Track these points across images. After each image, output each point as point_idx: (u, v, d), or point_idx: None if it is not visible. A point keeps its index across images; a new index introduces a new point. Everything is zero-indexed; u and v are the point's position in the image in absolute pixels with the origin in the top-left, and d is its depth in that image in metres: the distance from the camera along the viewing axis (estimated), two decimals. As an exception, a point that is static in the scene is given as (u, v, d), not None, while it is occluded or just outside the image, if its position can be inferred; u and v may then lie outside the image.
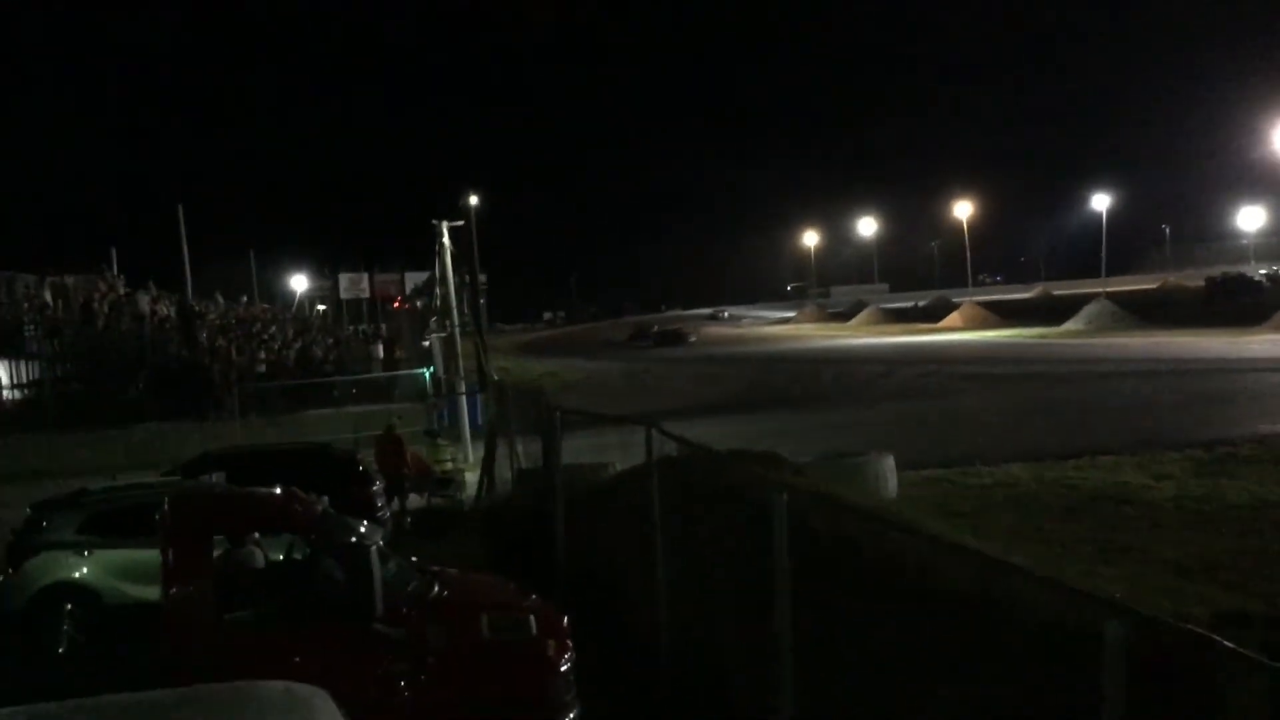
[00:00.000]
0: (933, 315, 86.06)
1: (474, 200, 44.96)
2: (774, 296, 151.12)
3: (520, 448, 17.32)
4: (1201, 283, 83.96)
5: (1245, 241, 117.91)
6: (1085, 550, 11.13)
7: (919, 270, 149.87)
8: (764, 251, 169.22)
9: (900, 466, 16.24)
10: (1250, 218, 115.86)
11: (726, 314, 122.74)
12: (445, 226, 26.20)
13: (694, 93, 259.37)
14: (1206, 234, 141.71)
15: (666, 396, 37.75)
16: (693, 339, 79.95)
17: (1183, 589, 9.17)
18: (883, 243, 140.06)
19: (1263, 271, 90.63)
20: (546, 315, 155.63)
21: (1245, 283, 78.55)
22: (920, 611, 6.26)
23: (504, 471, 17.95)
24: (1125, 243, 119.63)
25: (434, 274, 28.40)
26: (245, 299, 53.22)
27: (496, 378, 26.74)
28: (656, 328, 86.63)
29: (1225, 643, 3.07)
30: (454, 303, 26.74)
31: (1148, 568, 10.26)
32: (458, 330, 27.09)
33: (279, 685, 4.76)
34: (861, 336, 75.09)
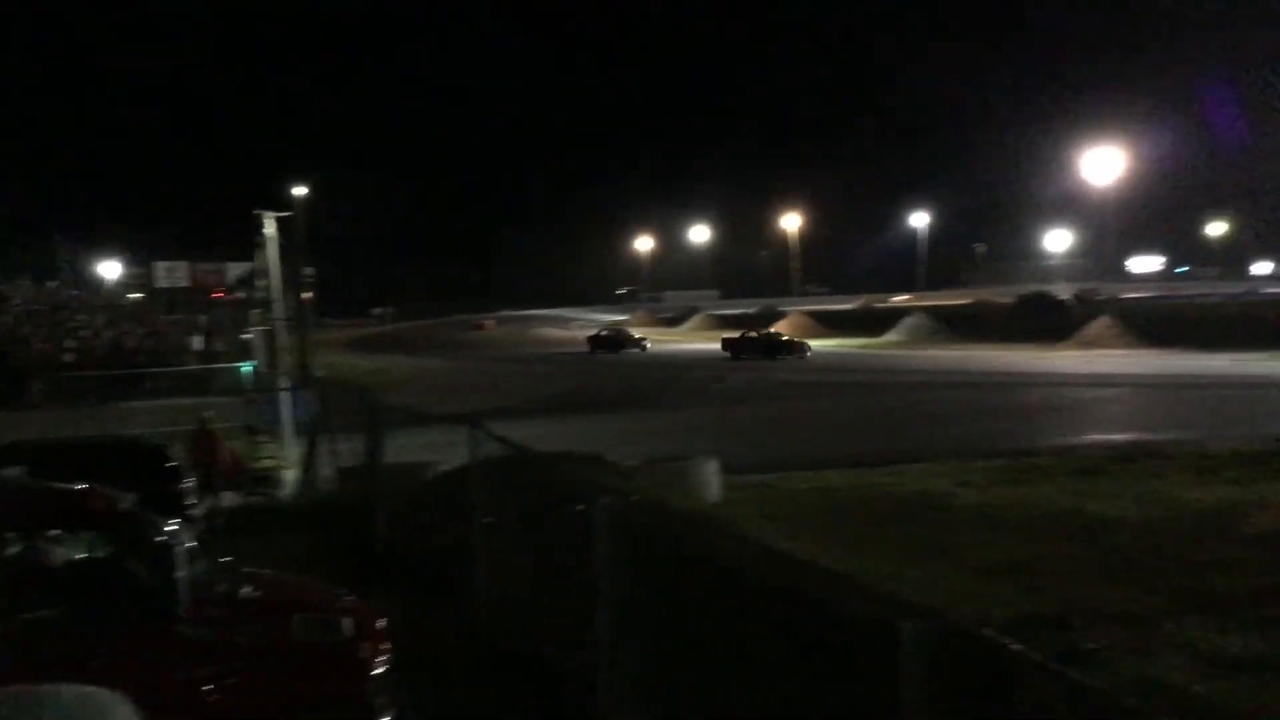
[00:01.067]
0: (762, 323, 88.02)
1: (302, 191, 43.89)
2: (607, 300, 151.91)
3: (342, 446, 16.95)
4: (1012, 300, 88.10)
5: (1053, 262, 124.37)
6: (895, 554, 11.53)
7: (749, 279, 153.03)
8: (598, 255, 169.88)
9: (725, 470, 16.51)
10: (1057, 240, 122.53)
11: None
12: (271, 217, 25.41)
13: (533, 92, 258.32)
14: (1018, 253, 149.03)
15: (496, 396, 37.54)
16: (648, 345, 70.29)
17: (984, 592, 9.59)
18: (715, 250, 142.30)
19: (1070, 291, 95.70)
20: (376, 311, 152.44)
21: (1051, 301, 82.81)
22: (736, 611, 6.39)
23: (325, 469, 17.54)
24: (943, 259, 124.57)
25: (256, 265, 27.53)
26: (55, 284, 50.58)
27: (320, 374, 26.10)
28: (604, 332, 78.21)
29: (1013, 645, 3.22)
30: (277, 296, 25.95)
31: (953, 571, 10.70)
32: (281, 324, 26.30)
33: (75, 689, 4.54)
34: (692, 341, 76.16)
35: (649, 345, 68.08)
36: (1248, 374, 37.83)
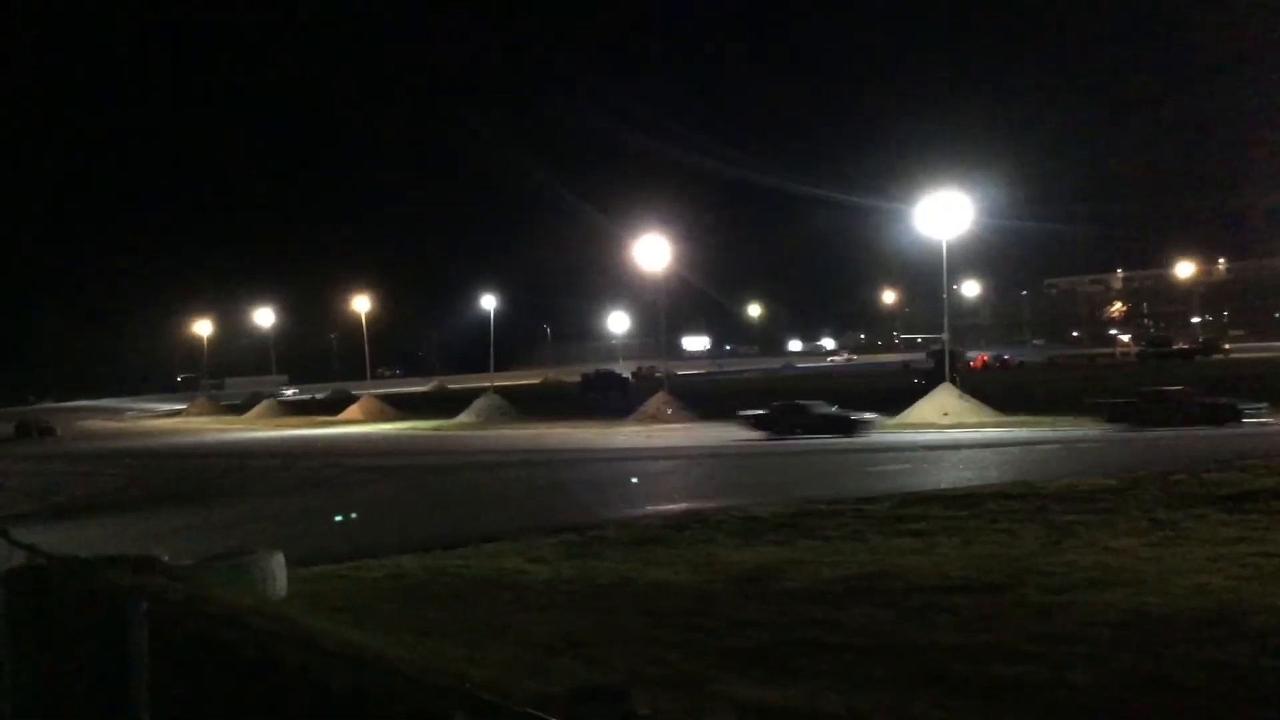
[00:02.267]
0: (332, 408, 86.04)
1: None
2: (164, 389, 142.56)
3: None
4: (578, 378, 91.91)
5: (614, 342, 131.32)
6: (466, 636, 11.53)
7: (318, 363, 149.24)
8: (153, 341, 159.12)
9: (292, 563, 15.81)
10: (617, 321, 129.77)
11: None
12: None
13: (65, 158, 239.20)
14: (583, 334, 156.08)
15: (34, 498, 33.94)
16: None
17: (551, 667, 9.79)
18: (281, 335, 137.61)
19: (630, 369, 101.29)
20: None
21: (613, 379, 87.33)
22: (294, 709, 6.11)
23: None
24: (512, 341, 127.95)
25: None
26: None
27: None
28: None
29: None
30: None
31: (522, 649, 10.84)
32: None
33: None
34: (259, 429, 73.06)
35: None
36: (789, 442, 41.62)
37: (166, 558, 14.10)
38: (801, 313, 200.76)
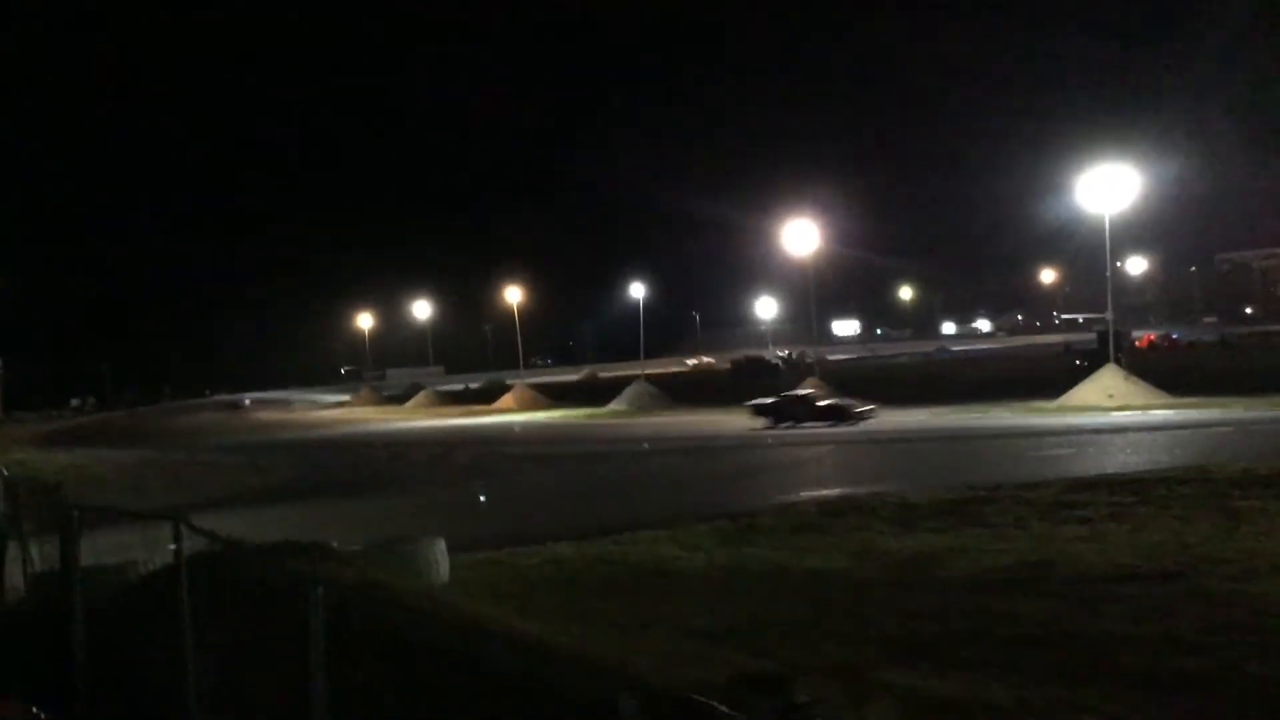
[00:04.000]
0: (487, 397, 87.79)
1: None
2: (330, 380, 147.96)
3: (35, 550, 15.59)
4: (728, 365, 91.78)
5: (763, 328, 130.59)
6: (623, 623, 11.64)
7: (473, 354, 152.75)
8: (320, 334, 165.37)
9: (453, 550, 16.22)
10: (766, 307, 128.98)
11: (247, 400, 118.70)
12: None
13: (242, 169, 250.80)
14: (731, 321, 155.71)
15: (211, 487, 35.59)
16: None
17: (709, 655, 9.81)
18: (437, 326, 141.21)
19: (780, 354, 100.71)
20: (74, 402, 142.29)
21: (763, 365, 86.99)
22: (466, 698, 6.25)
23: (15, 577, 16.06)
24: (661, 328, 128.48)
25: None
26: None
27: (6, 472, 23.99)
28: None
29: (720, 708, 3.31)
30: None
31: (680, 636, 10.90)
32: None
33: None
34: (417, 419, 75.06)
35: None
36: (943, 426, 40.78)
37: (335, 544, 14.64)
38: (956, 294, 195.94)
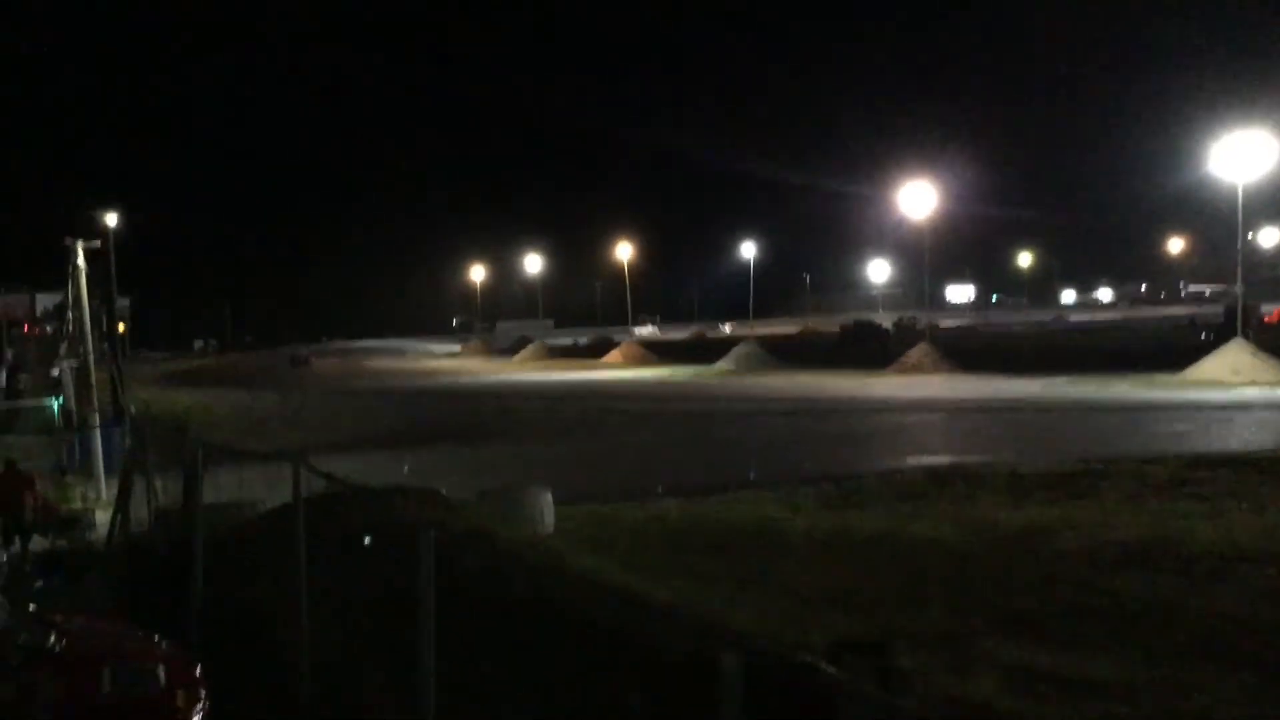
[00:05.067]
0: (595, 352, 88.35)
1: (114, 219, 42.00)
2: (442, 330, 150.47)
3: (159, 485, 16.25)
4: (836, 328, 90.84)
5: (874, 292, 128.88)
6: (725, 582, 11.69)
7: (582, 309, 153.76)
8: (433, 284, 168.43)
9: (558, 501, 16.47)
10: (878, 270, 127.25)
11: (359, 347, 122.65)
12: (81, 246, 24.31)
13: (363, 121, 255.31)
14: (842, 284, 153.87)
15: (326, 431, 36.56)
16: (314, 364, 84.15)
17: (809, 618, 9.80)
18: (549, 280, 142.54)
19: (890, 320, 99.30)
20: (198, 344, 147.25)
21: (873, 329, 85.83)
22: (566, 646, 6.35)
23: (141, 511, 16.77)
24: (770, 290, 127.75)
25: (67, 296, 26.25)
26: None
27: (134, 410, 24.99)
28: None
29: (827, 669, 3.31)
30: (88, 328, 24.78)
31: (780, 598, 10.91)
32: (92, 358, 25.11)
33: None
34: (525, 372, 75.91)
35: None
36: (1058, 397, 39.83)
37: (444, 491, 14.96)
38: (1076, 261, 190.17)
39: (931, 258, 72.70)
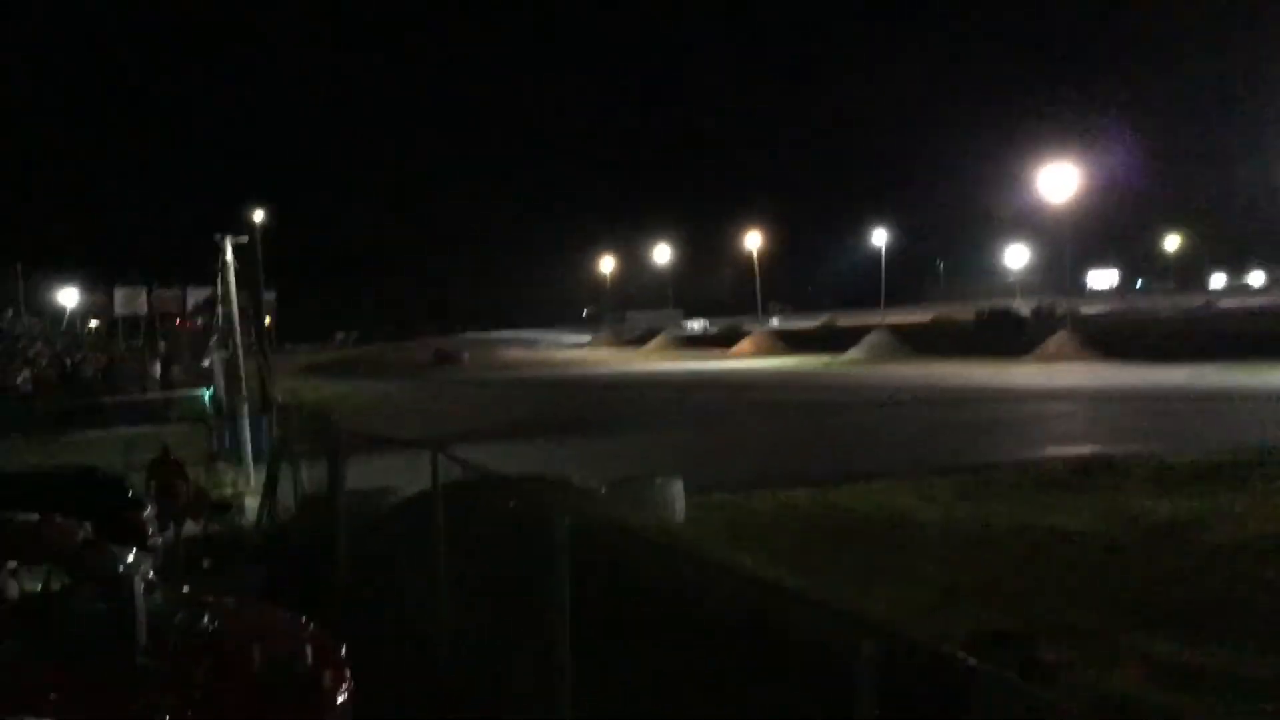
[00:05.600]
0: (725, 342, 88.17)
1: (260, 215, 43.66)
2: (572, 320, 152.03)
3: (305, 473, 16.82)
4: (971, 316, 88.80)
5: (1011, 278, 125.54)
6: (859, 572, 11.58)
7: (712, 298, 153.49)
8: (562, 275, 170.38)
9: (689, 490, 16.52)
10: (1016, 256, 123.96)
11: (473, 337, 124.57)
12: (229, 242, 25.29)
13: (492, 115, 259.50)
14: (977, 270, 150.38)
15: (461, 420, 37.35)
16: (466, 360, 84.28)
17: (947, 609, 9.66)
18: (677, 270, 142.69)
19: (1029, 307, 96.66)
20: (339, 335, 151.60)
21: (1010, 316, 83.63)
22: (699, 633, 6.38)
23: (287, 497, 17.39)
24: (903, 277, 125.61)
25: (216, 291, 27.35)
26: (10, 313, 50.01)
27: (281, 399, 25.91)
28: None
29: (968, 659, 3.25)
30: (236, 321, 25.78)
31: (916, 588, 10.76)
32: (240, 350, 26.12)
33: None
34: (655, 362, 76.20)
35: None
36: (1206, 386, 38.28)
37: (576, 479, 15.15)
38: (1228, 245, 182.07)
39: (1073, 242, 70.54)
